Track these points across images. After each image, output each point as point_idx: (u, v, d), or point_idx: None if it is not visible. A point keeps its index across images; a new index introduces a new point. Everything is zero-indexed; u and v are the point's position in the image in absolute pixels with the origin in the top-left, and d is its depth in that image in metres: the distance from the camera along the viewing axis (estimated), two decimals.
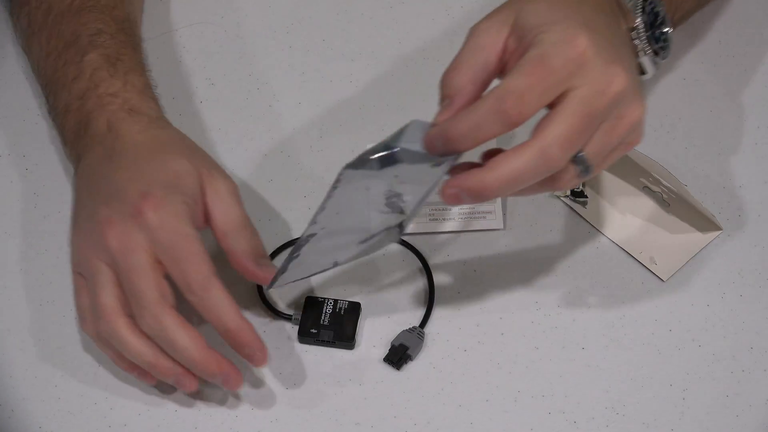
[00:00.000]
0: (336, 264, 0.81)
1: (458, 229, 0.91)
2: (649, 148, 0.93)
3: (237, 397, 0.84)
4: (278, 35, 1.01)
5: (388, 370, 0.85)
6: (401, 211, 0.79)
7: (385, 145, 0.77)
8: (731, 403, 0.84)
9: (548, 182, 0.76)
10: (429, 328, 0.87)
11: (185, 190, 0.82)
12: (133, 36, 0.93)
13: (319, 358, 0.86)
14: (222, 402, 0.84)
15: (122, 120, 0.85)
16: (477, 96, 0.76)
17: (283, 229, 0.91)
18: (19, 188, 0.93)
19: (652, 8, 0.83)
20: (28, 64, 0.97)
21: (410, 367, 0.85)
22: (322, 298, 0.86)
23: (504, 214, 0.91)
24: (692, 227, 0.91)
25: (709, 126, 0.95)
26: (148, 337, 0.80)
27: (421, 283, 0.88)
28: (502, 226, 0.91)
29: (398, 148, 0.77)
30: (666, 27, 0.83)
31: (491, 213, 0.91)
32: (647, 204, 0.92)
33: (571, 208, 0.92)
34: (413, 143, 0.77)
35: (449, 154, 0.76)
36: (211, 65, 0.99)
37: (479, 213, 0.91)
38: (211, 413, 0.84)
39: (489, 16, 0.78)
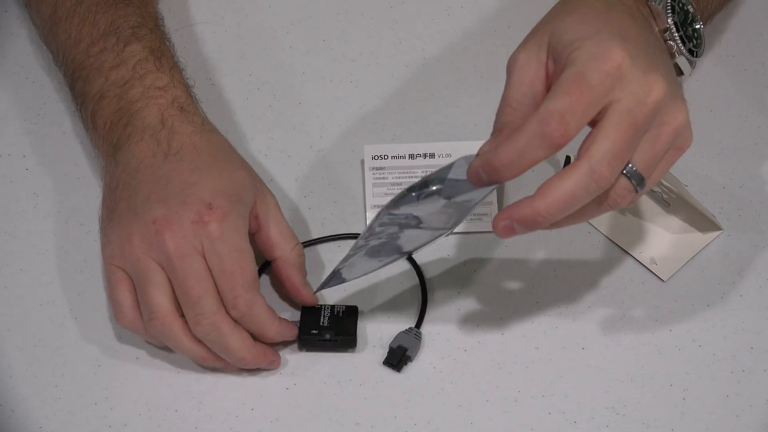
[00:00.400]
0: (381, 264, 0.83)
1: (454, 230, 0.90)
2: None
3: (237, 397, 0.84)
4: (278, 35, 1.01)
5: (388, 371, 0.85)
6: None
7: (428, 182, 0.78)
8: (731, 403, 0.84)
9: (604, 202, 0.75)
10: (428, 328, 0.87)
11: (246, 203, 0.83)
12: (166, 34, 0.93)
13: (319, 358, 0.86)
14: (222, 402, 0.84)
15: (175, 117, 0.85)
16: None
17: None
18: (19, 188, 0.93)
19: (682, 7, 0.82)
20: (28, 63, 0.97)
21: (410, 368, 0.85)
22: (318, 305, 0.86)
23: None
24: (692, 227, 0.91)
25: (709, 126, 0.95)
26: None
27: (416, 282, 0.88)
28: None
29: (443, 183, 0.77)
30: (697, 24, 0.83)
31: (487, 215, 0.91)
32: (647, 204, 0.92)
33: None
34: (459, 174, 0.77)
35: (493, 183, 0.75)
36: (211, 65, 0.99)
37: (475, 215, 0.91)
38: (211, 413, 0.84)
39: (524, 44, 0.77)
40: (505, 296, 0.88)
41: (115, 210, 0.84)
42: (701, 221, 0.91)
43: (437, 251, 0.90)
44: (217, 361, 0.83)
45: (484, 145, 0.76)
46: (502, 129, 0.76)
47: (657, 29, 0.81)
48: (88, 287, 0.88)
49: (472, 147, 0.92)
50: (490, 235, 0.90)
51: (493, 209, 0.91)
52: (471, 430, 0.83)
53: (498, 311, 0.88)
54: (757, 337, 0.86)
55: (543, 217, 0.73)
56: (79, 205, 0.92)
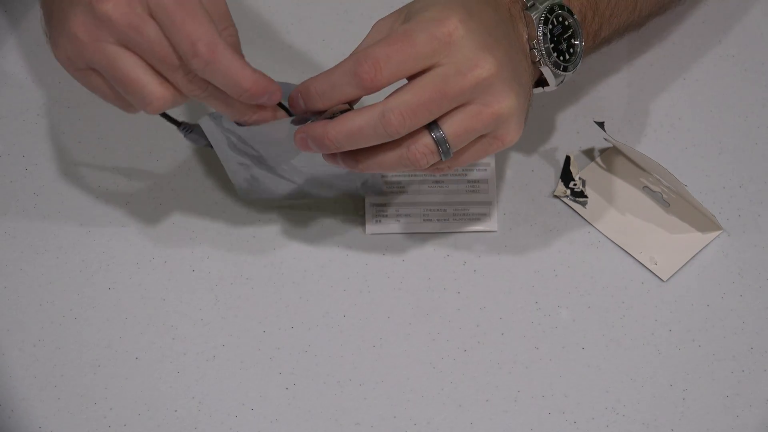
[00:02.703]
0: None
1: (452, 230, 0.91)
2: (649, 148, 0.93)
3: (237, 397, 0.84)
4: (278, 35, 1.01)
5: (388, 371, 0.85)
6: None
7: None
8: (731, 403, 0.84)
9: (405, 155, 0.77)
10: (429, 328, 0.87)
11: None
12: None
13: (319, 357, 0.86)
14: (222, 402, 0.84)
15: None
16: None
17: (284, 229, 0.91)
18: (19, 188, 0.93)
19: (561, 20, 0.83)
20: (28, 63, 0.97)
21: (411, 368, 0.85)
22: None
23: (501, 215, 0.91)
24: (692, 227, 0.91)
25: (709, 126, 0.95)
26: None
27: None
28: (495, 228, 0.91)
29: None
30: (576, 39, 0.84)
31: (486, 215, 0.91)
32: (647, 204, 0.92)
33: (571, 208, 0.91)
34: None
35: (309, 111, 0.77)
36: None
37: (474, 215, 0.91)
38: (211, 413, 0.84)
39: (389, 14, 0.79)
40: (505, 296, 0.88)
41: (52, 9, 0.79)
42: (701, 221, 0.91)
43: (437, 251, 0.90)
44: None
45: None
46: None
47: (526, 35, 0.82)
48: (88, 287, 0.88)
49: None
50: (490, 235, 0.90)
51: (493, 209, 0.91)
52: (471, 430, 0.83)
53: (498, 311, 0.88)
54: (757, 337, 0.86)
55: (330, 141, 0.77)
56: (79, 205, 0.92)
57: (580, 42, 0.84)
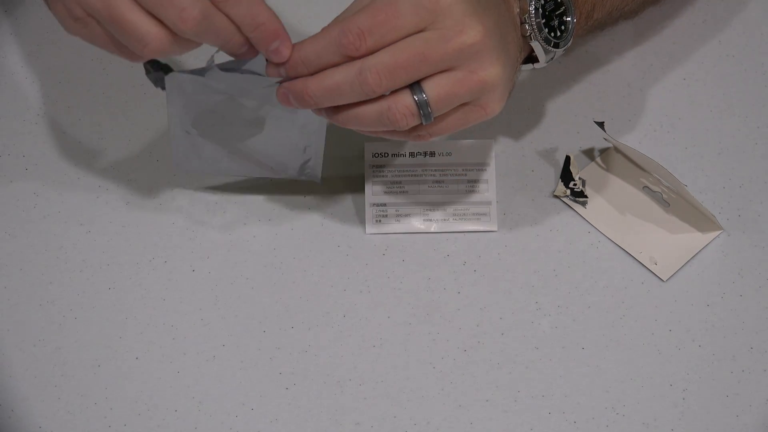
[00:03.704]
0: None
1: (452, 230, 0.91)
2: (649, 148, 0.93)
3: (237, 397, 0.84)
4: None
5: (388, 371, 0.85)
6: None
7: (228, 63, 0.81)
8: (731, 403, 0.84)
9: (384, 113, 0.77)
10: (429, 328, 0.87)
11: None
12: None
13: (319, 357, 0.86)
14: (222, 402, 0.84)
15: None
16: None
17: (284, 229, 0.91)
18: (19, 188, 0.93)
19: None
20: (28, 63, 0.97)
21: (411, 368, 0.85)
22: None
23: (501, 215, 0.91)
24: (692, 227, 0.91)
25: (709, 126, 0.95)
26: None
27: None
28: (495, 228, 0.91)
29: (242, 68, 0.81)
30: (568, 16, 0.84)
31: (486, 215, 0.91)
32: (647, 204, 0.92)
33: (571, 208, 0.92)
34: (258, 68, 0.80)
35: (291, 76, 0.77)
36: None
37: (474, 215, 0.91)
38: (211, 413, 0.84)
39: None
40: (505, 296, 0.88)
41: None
42: (701, 221, 0.91)
43: (437, 250, 0.90)
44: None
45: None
46: None
47: (518, 8, 0.82)
48: (88, 287, 0.88)
49: (472, 146, 0.93)
50: (490, 234, 0.90)
51: (493, 209, 0.91)
52: (471, 430, 0.83)
53: (498, 311, 0.88)
54: (757, 337, 0.86)
55: (309, 96, 0.77)
56: (79, 205, 0.92)
57: (572, 19, 0.84)
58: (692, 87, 0.97)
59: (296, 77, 0.77)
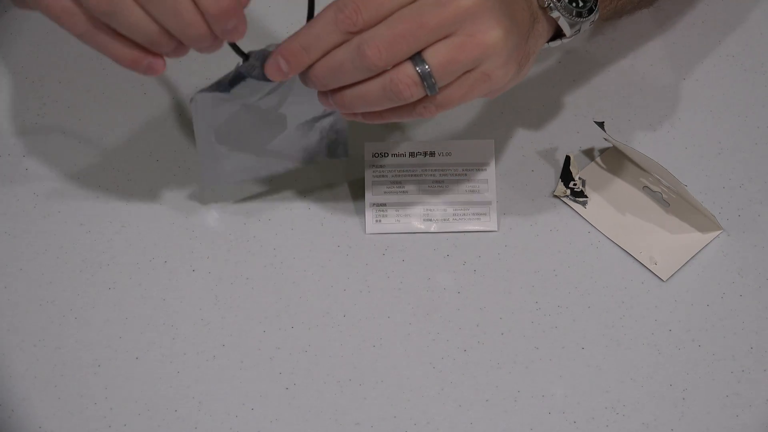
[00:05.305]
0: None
1: (452, 230, 0.91)
2: (649, 148, 0.93)
3: (237, 397, 0.84)
4: (278, 35, 1.01)
5: (388, 371, 0.85)
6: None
7: (236, 70, 0.82)
8: (731, 403, 0.84)
9: (388, 89, 0.76)
10: (429, 329, 0.87)
11: None
12: None
13: (319, 357, 0.86)
14: (222, 402, 0.84)
15: None
16: None
17: (284, 229, 0.91)
18: (19, 188, 0.93)
19: None
20: (28, 63, 0.97)
21: (411, 368, 0.85)
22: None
23: (501, 215, 0.91)
24: (692, 227, 0.91)
25: (709, 126, 0.95)
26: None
27: None
28: (495, 228, 0.91)
29: (245, 70, 0.81)
30: None
31: (486, 215, 0.91)
32: (647, 204, 0.92)
33: (571, 208, 0.92)
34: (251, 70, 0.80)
35: (292, 71, 0.77)
36: (211, 65, 0.99)
37: (474, 215, 0.91)
38: (211, 413, 0.84)
39: None
40: (505, 296, 0.88)
41: None
42: (701, 221, 0.91)
43: (437, 251, 0.90)
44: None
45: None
46: None
47: None
48: (88, 287, 0.88)
49: (472, 146, 0.93)
50: (490, 234, 0.90)
51: (493, 209, 0.91)
52: (471, 430, 0.83)
53: (498, 311, 0.88)
54: (757, 337, 0.86)
55: (315, 77, 0.76)
56: (79, 205, 0.92)
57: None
58: (692, 87, 0.97)
59: (295, 69, 0.77)
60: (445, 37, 0.75)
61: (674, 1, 0.99)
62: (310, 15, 0.80)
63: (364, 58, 0.75)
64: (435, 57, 0.76)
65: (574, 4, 0.82)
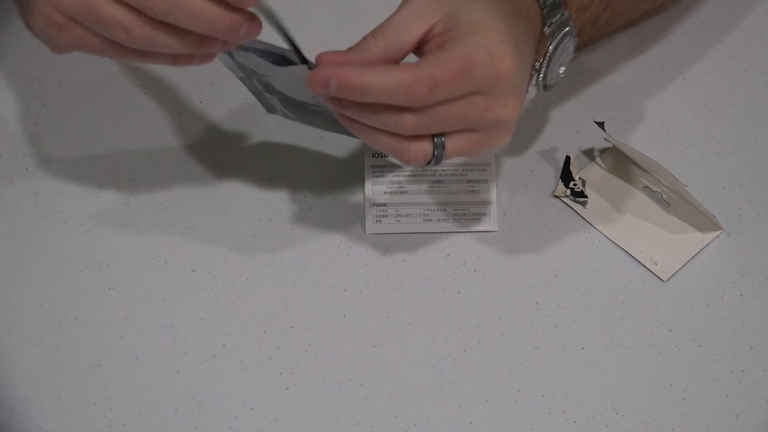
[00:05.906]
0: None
1: (452, 230, 0.91)
2: (649, 148, 0.93)
3: (237, 397, 0.84)
4: (278, 36, 1.01)
5: (388, 371, 0.85)
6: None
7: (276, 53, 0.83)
8: (731, 403, 0.84)
9: (398, 152, 0.78)
10: (429, 328, 0.87)
11: None
12: None
13: (319, 357, 0.86)
14: (222, 402, 0.84)
15: None
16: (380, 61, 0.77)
17: (284, 229, 0.91)
18: (19, 188, 0.93)
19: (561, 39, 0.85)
20: (28, 63, 0.97)
21: (411, 368, 0.85)
22: None
23: (501, 215, 0.91)
24: (692, 227, 0.91)
25: (709, 126, 0.95)
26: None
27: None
28: (495, 228, 0.91)
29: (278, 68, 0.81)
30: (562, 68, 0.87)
31: (486, 215, 0.91)
32: (647, 204, 0.92)
33: (571, 208, 0.92)
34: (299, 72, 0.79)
35: (335, 95, 0.76)
36: (211, 65, 0.99)
37: (474, 215, 0.91)
38: (211, 413, 0.84)
39: None
40: (505, 296, 0.88)
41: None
42: (701, 221, 0.91)
43: (437, 251, 0.90)
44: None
45: (330, 53, 0.77)
46: (359, 49, 0.77)
47: (536, 30, 0.83)
48: (88, 287, 0.88)
49: None
50: (490, 235, 0.90)
51: (493, 209, 0.91)
52: (471, 430, 0.83)
53: (498, 311, 0.88)
54: (757, 337, 0.86)
55: (348, 108, 0.76)
56: (79, 205, 0.92)
57: (565, 71, 0.87)
58: (692, 87, 0.97)
59: (342, 99, 0.76)
60: (469, 130, 0.78)
61: (674, 1, 0.99)
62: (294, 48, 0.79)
63: (411, 95, 0.75)
64: (452, 144, 0.78)
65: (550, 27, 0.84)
